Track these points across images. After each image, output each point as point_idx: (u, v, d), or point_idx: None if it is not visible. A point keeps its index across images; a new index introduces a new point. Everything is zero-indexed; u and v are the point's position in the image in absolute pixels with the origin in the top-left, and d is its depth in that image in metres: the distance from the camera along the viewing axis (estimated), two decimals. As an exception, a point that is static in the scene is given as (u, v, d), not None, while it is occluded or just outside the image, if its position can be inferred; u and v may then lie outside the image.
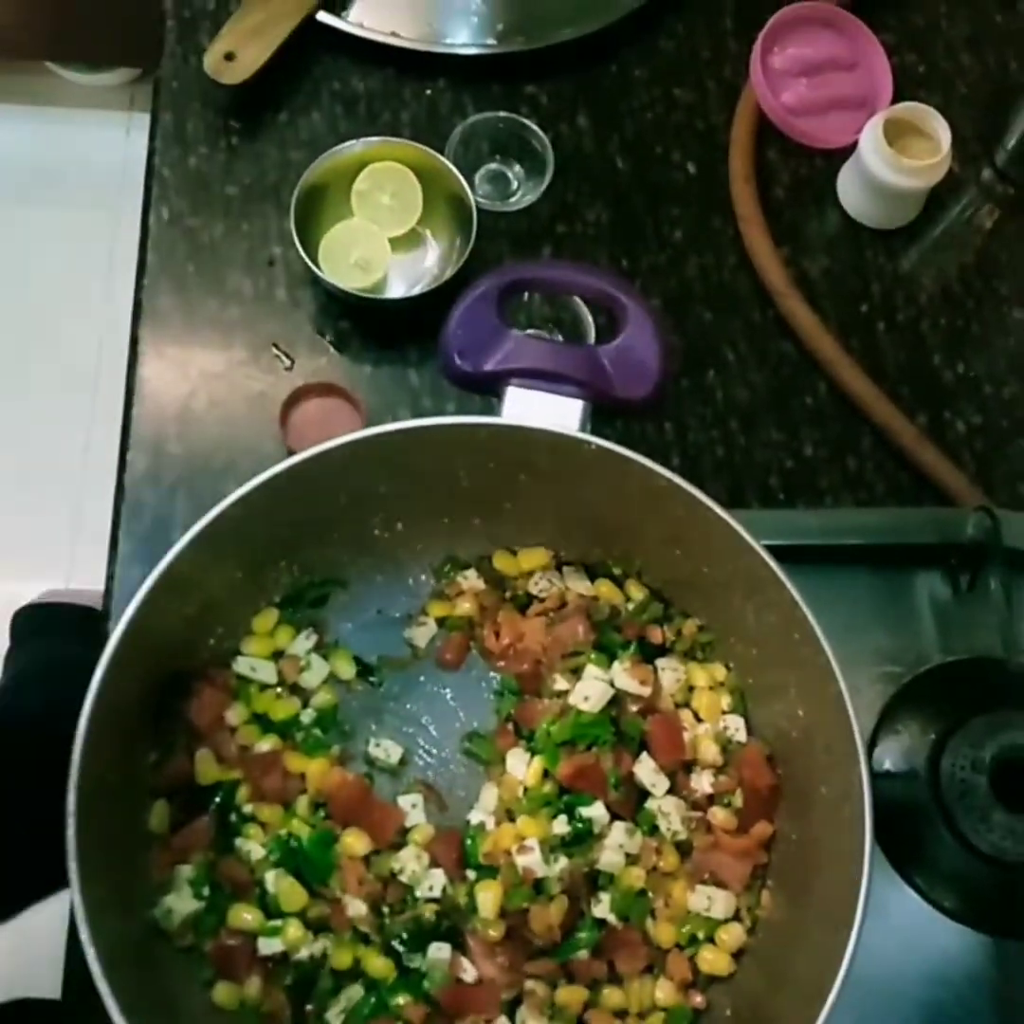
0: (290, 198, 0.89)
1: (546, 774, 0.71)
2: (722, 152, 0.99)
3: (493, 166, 0.98)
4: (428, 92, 1.00)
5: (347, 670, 0.75)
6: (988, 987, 0.77)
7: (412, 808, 0.72)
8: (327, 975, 0.68)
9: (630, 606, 0.76)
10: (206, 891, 0.68)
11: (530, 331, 0.89)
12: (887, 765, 0.79)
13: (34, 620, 1.50)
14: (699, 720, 0.73)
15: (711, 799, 0.72)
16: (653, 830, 0.71)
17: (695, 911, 0.70)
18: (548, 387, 0.69)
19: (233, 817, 0.70)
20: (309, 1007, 0.68)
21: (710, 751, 0.72)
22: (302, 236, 0.89)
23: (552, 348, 0.70)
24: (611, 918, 0.70)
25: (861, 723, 0.64)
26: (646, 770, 0.71)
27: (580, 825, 0.70)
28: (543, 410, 0.69)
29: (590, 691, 0.72)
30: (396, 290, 0.93)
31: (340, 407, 0.88)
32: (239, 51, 0.94)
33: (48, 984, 0.74)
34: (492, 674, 0.76)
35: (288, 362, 0.91)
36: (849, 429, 0.93)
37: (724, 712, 0.74)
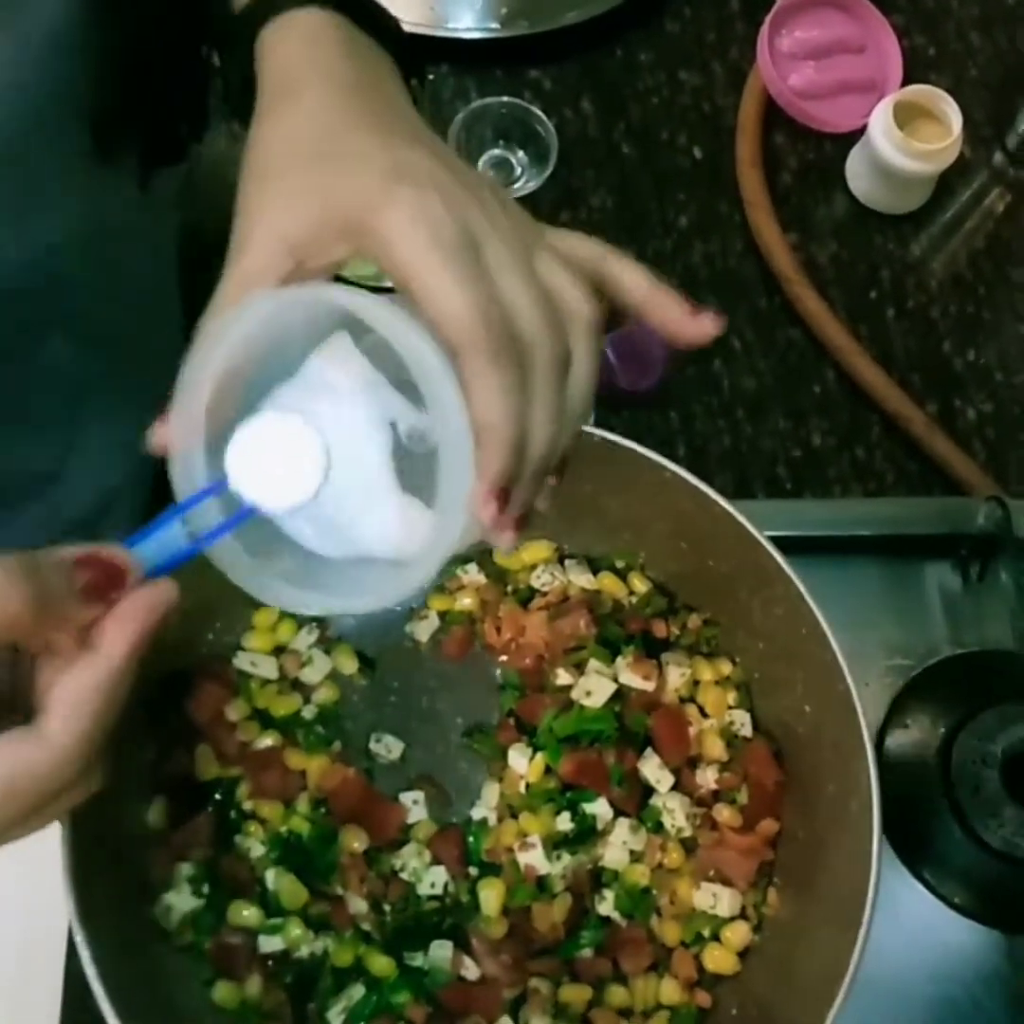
0: (290, 186, 0.88)
1: (548, 770, 0.71)
2: (729, 136, 0.98)
3: (497, 152, 0.97)
4: (431, 77, 0.99)
5: (349, 665, 0.74)
6: (999, 983, 0.76)
7: (413, 804, 0.71)
8: (328, 973, 0.67)
9: (634, 600, 0.75)
10: (206, 889, 0.67)
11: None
12: (896, 758, 0.78)
13: None
14: (704, 715, 0.72)
15: (716, 795, 0.71)
16: (658, 827, 0.70)
17: (700, 909, 0.69)
18: (550, 378, 0.68)
19: (233, 814, 0.70)
20: (310, 1006, 0.67)
21: (715, 747, 0.71)
22: (302, 224, 0.88)
23: (554, 338, 0.69)
24: (615, 916, 0.69)
25: (870, 716, 0.64)
26: (650, 766, 0.70)
27: (583, 822, 0.69)
28: (545, 401, 0.68)
29: (593, 686, 0.71)
30: (398, 278, 0.92)
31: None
32: (238, 36, 0.93)
33: (41, 987, 0.74)
34: (494, 669, 0.75)
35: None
36: (858, 418, 0.92)
37: (730, 707, 0.72)
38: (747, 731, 0.72)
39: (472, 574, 0.75)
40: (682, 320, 0.51)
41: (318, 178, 0.46)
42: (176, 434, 0.44)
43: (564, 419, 0.48)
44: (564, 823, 0.69)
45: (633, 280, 0.50)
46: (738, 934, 0.69)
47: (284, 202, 0.46)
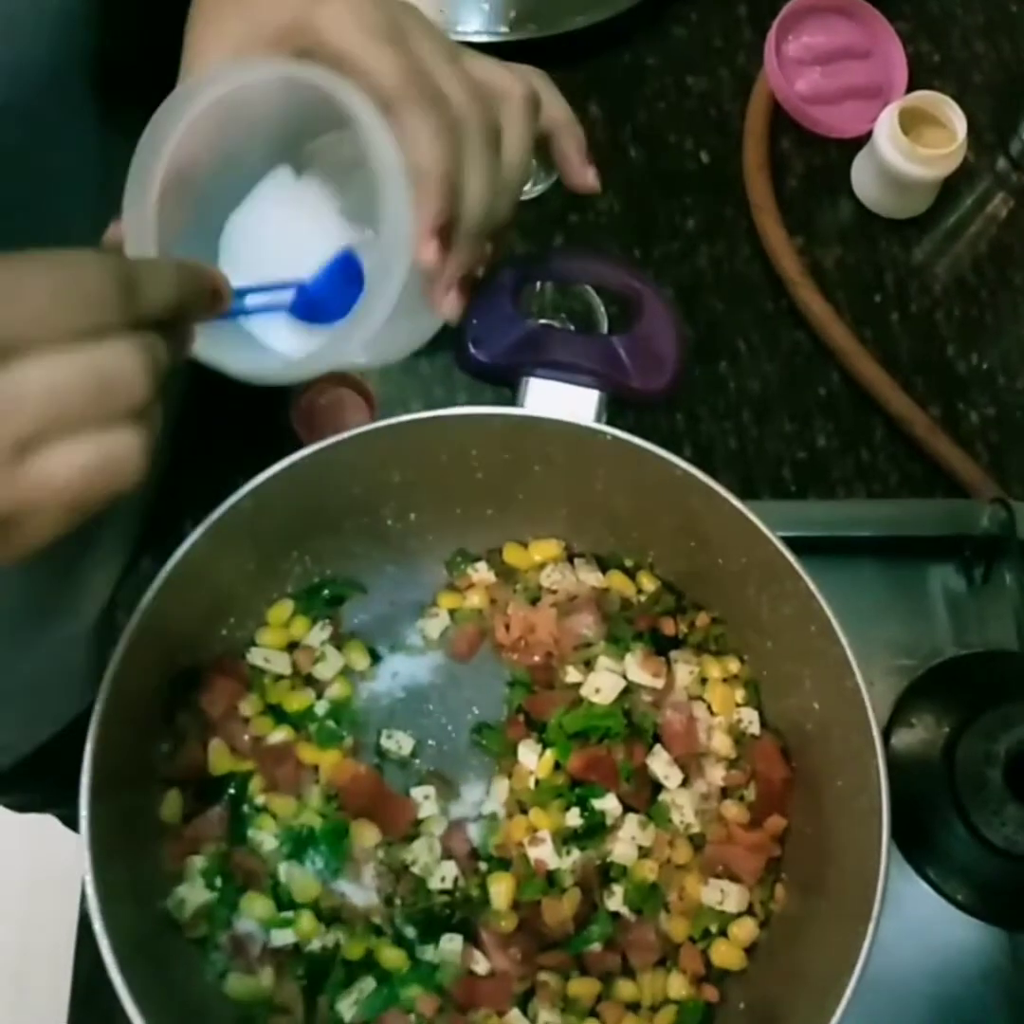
0: (301, 186, 0.89)
1: (558, 766, 0.71)
2: (736, 141, 0.99)
3: (505, 155, 0.98)
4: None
5: (361, 661, 0.74)
6: (1001, 981, 0.77)
7: (424, 800, 0.71)
8: (339, 967, 0.68)
9: (642, 598, 0.75)
10: (218, 882, 0.68)
11: (543, 321, 0.89)
12: (901, 758, 0.79)
13: None
14: (712, 713, 0.73)
15: (724, 792, 0.72)
16: (666, 823, 0.71)
17: (708, 905, 0.69)
18: (565, 377, 0.69)
19: (246, 808, 0.70)
20: (321, 998, 0.68)
21: (724, 744, 0.72)
22: (313, 225, 0.88)
23: (569, 338, 0.70)
24: (624, 911, 0.69)
25: (875, 716, 0.64)
26: (659, 763, 0.71)
27: (593, 817, 0.70)
28: (559, 401, 0.69)
29: (602, 683, 0.72)
30: (407, 279, 0.93)
31: (351, 398, 0.87)
32: (250, 38, 0.93)
33: (48, 981, 0.74)
34: (504, 666, 0.75)
35: (299, 351, 0.91)
36: (862, 420, 0.92)
37: (738, 705, 0.73)
38: (755, 728, 0.72)
39: (482, 572, 0.76)
40: (574, 164, 0.61)
41: (248, 7, 0.52)
42: (129, 230, 0.49)
43: (499, 185, 0.54)
44: (573, 818, 0.70)
45: (553, 108, 0.58)
46: (745, 930, 0.69)
47: (216, 30, 0.52)
